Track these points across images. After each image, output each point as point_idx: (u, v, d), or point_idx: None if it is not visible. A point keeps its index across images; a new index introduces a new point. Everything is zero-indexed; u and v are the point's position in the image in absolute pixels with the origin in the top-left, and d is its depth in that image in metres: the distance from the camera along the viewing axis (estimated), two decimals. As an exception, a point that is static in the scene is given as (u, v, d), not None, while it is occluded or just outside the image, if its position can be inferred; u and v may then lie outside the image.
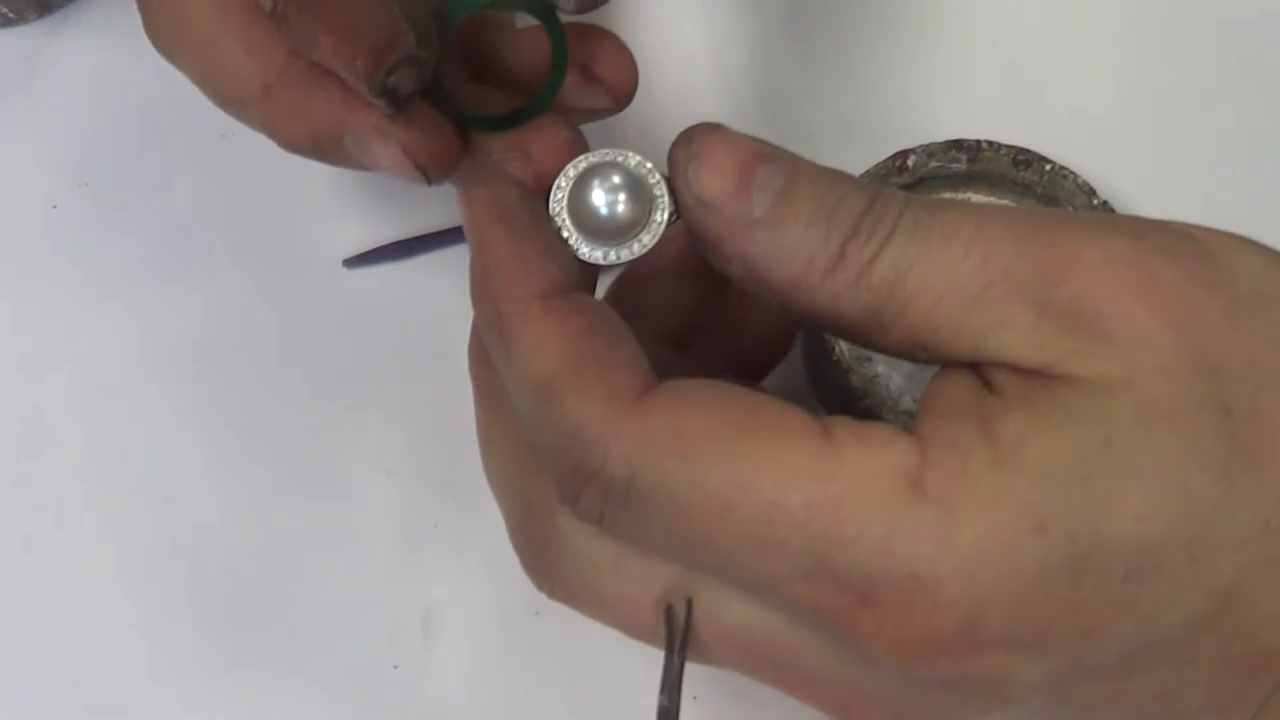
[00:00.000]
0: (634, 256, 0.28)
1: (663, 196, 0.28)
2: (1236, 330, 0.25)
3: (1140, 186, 0.41)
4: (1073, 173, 0.40)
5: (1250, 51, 0.44)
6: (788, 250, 0.26)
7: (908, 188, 0.40)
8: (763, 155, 0.27)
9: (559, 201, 0.29)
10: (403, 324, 0.42)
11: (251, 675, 0.40)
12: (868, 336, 0.27)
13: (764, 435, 0.25)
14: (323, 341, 0.42)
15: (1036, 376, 0.25)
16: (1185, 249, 0.25)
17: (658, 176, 0.28)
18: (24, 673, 0.40)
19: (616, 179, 0.28)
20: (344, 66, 0.29)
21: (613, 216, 0.28)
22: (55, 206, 0.43)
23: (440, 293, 0.42)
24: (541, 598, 0.40)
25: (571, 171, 0.29)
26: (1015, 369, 0.25)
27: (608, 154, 0.29)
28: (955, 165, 0.40)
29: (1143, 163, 0.42)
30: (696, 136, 0.27)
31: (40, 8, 0.44)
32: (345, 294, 0.42)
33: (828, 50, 0.44)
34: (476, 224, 0.28)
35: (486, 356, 0.28)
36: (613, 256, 0.28)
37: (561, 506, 0.27)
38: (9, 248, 0.43)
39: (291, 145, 0.33)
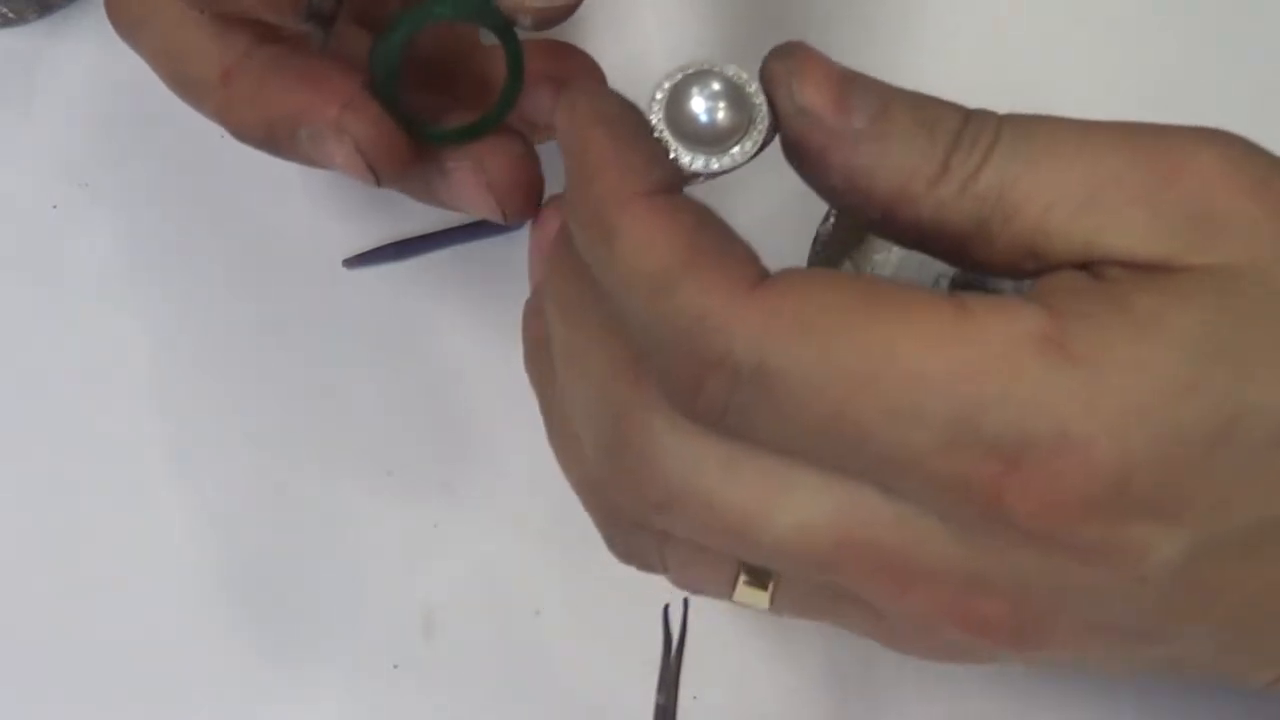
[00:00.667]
0: (735, 165, 0.28)
1: (762, 105, 0.28)
2: None
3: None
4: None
5: (1251, 47, 0.43)
6: (892, 161, 0.26)
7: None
8: (854, 76, 0.27)
9: (658, 110, 0.28)
10: (403, 324, 0.42)
11: (251, 675, 0.40)
12: (972, 249, 0.26)
13: (896, 307, 0.24)
14: (323, 341, 0.42)
15: (1155, 269, 0.25)
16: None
17: (755, 86, 0.28)
18: (15, 677, 0.40)
19: (716, 86, 0.27)
20: (266, 5, 0.29)
21: (712, 124, 0.27)
22: (55, 206, 0.43)
23: (440, 293, 0.42)
24: (541, 598, 0.40)
25: (670, 81, 0.28)
26: (1131, 265, 0.25)
27: (705, 63, 0.28)
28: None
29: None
30: (794, 52, 0.27)
31: (40, 8, 0.44)
32: (345, 294, 0.42)
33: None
34: (578, 128, 0.27)
35: (570, 269, 0.27)
36: (714, 165, 0.28)
37: (662, 411, 0.26)
38: (9, 248, 0.43)
39: (244, 134, 0.33)
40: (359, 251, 0.42)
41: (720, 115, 0.27)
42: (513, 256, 0.42)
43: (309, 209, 0.43)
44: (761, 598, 0.28)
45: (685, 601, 0.27)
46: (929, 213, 0.26)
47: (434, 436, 0.41)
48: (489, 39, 0.32)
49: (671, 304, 0.25)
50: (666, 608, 0.28)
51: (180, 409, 0.42)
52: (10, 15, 0.44)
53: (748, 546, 0.26)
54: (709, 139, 0.28)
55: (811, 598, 0.28)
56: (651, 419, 0.26)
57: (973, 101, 0.27)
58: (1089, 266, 0.26)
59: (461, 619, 0.40)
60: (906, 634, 0.28)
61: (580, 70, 0.34)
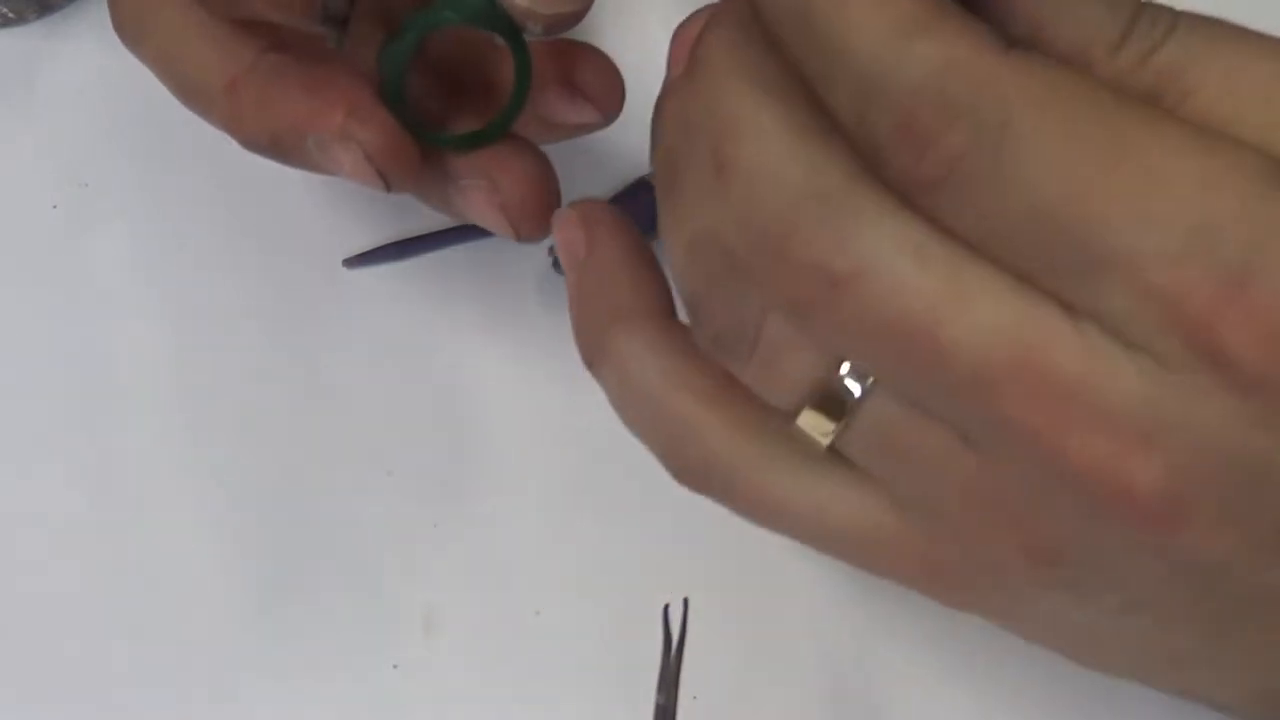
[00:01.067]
0: None
1: None
2: None
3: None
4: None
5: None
6: (1076, 19, 0.25)
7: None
8: None
9: None
10: (403, 324, 0.42)
11: (250, 675, 0.40)
12: None
13: (1144, 109, 0.23)
14: (322, 341, 0.42)
15: None
16: None
17: None
18: (15, 676, 0.40)
19: None
20: (279, 7, 0.29)
21: None
22: (55, 206, 0.43)
23: (440, 293, 0.42)
24: (541, 598, 0.40)
25: None
26: None
27: None
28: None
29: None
30: None
31: (40, 8, 0.44)
32: (345, 294, 0.42)
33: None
34: None
35: (746, 31, 0.25)
36: None
37: (863, 178, 0.24)
38: (9, 248, 0.43)
39: (251, 143, 0.33)
40: (359, 251, 0.42)
41: None
42: (513, 257, 0.42)
43: (309, 209, 0.43)
44: (828, 428, 0.26)
45: (685, 601, 0.27)
46: (1109, 77, 0.25)
47: (434, 436, 0.41)
48: (499, 41, 0.32)
49: (918, 49, 0.23)
50: (666, 608, 0.28)
51: (179, 409, 0.42)
52: (10, 15, 0.44)
53: (910, 345, 0.24)
54: None
55: (897, 438, 0.26)
56: (846, 183, 0.24)
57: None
58: None
59: (461, 619, 0.40)
60: (979, 511, 0.26)
61: (594, 69, 0.34)
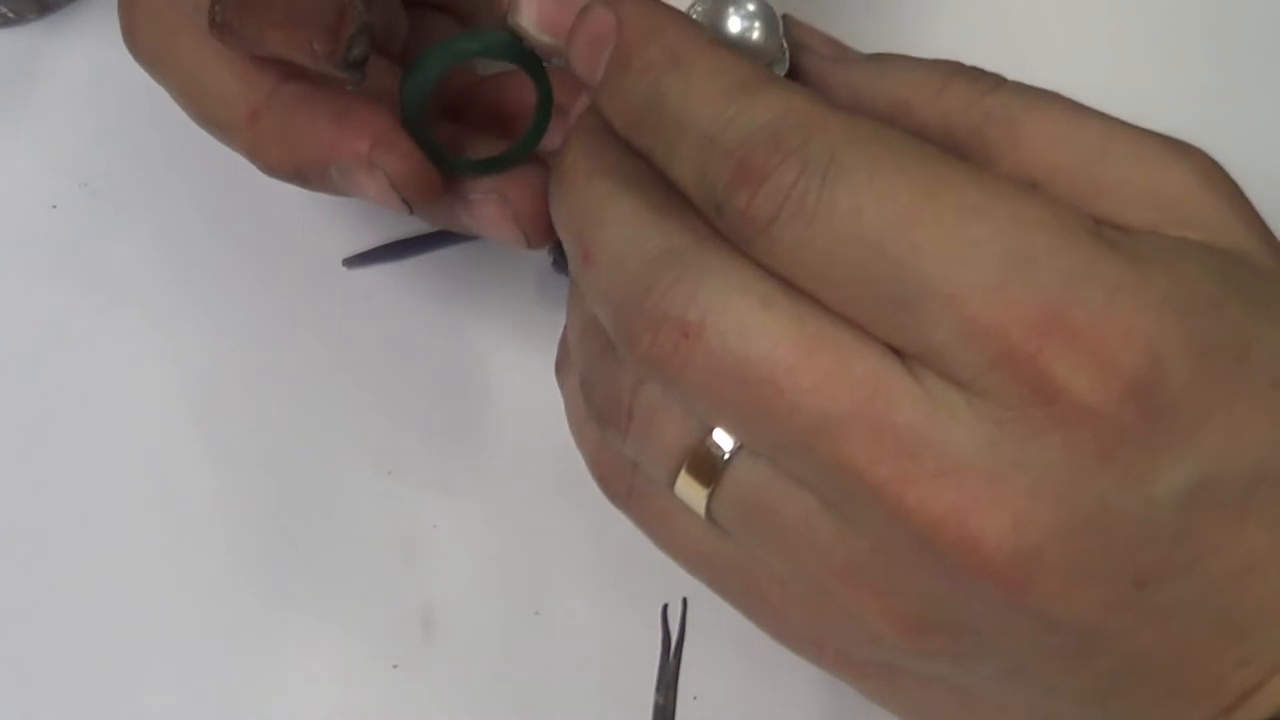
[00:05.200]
0: None
1: (783, 37, 0.29)
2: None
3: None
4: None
5: (1251, 44, 0.43)
6: (895, 75, 0.27)
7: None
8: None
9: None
10: (403, 324, 0.42)
11: (250, 674, 0.40)
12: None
13: (962, 160, 0.25)
14: (323, 341, 0.42)
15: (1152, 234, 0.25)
16: None
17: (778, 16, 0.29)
18: (14, 669, 0.40)
19: (752, 7, 0.28)
20: (300, 53, 0.29)
21: (746, 43, 0.28)
22: (55, 206, 0.43)
23: (440, 293, 0.42)
24: (541, 598, 0.40)
25: (700, 6, 0.29)
26: (1122, 227, 0.25)
27: None
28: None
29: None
30: (789, 15, 0.29)
31: (40, 8, 0.44)
32: (345, 294, 0.42)
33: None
34: (630, 8, 0.27)
35: (595, 141, 0.28)
36: None
37: (707, 236, 0.26)
38: (9, 248, 0.43)
39: (274, 172, 0.33)
40: (359, 251, 0.42)
41: (755, 35, 0.28)
42: (513, 257, 0.42)
43: (309, 209, 0.43)
44: (700, 494, 0.27)
45: (684, 601, 0.27)
46: (934, 120, 0.27)
47: (434, 436, 0.41)
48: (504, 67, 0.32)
49: (753, 102, 0.25)
50: (665, 608, 0.28)
51: (178, 409, 0.42)
52: (10, 15, 0.44)
53: (757, 393, 0.25)
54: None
55: (758, 500, 0.27)
56: (695, 244, 0.26)
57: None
58: None
59: (461, 619, 0.40)
60: (841, 577, 0.26)
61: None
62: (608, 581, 0.39)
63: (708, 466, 0.27)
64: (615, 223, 0.27)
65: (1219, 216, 0.26)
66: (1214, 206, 0.26)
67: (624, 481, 0.30)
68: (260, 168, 0.33)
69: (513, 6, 0.29)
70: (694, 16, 0.28)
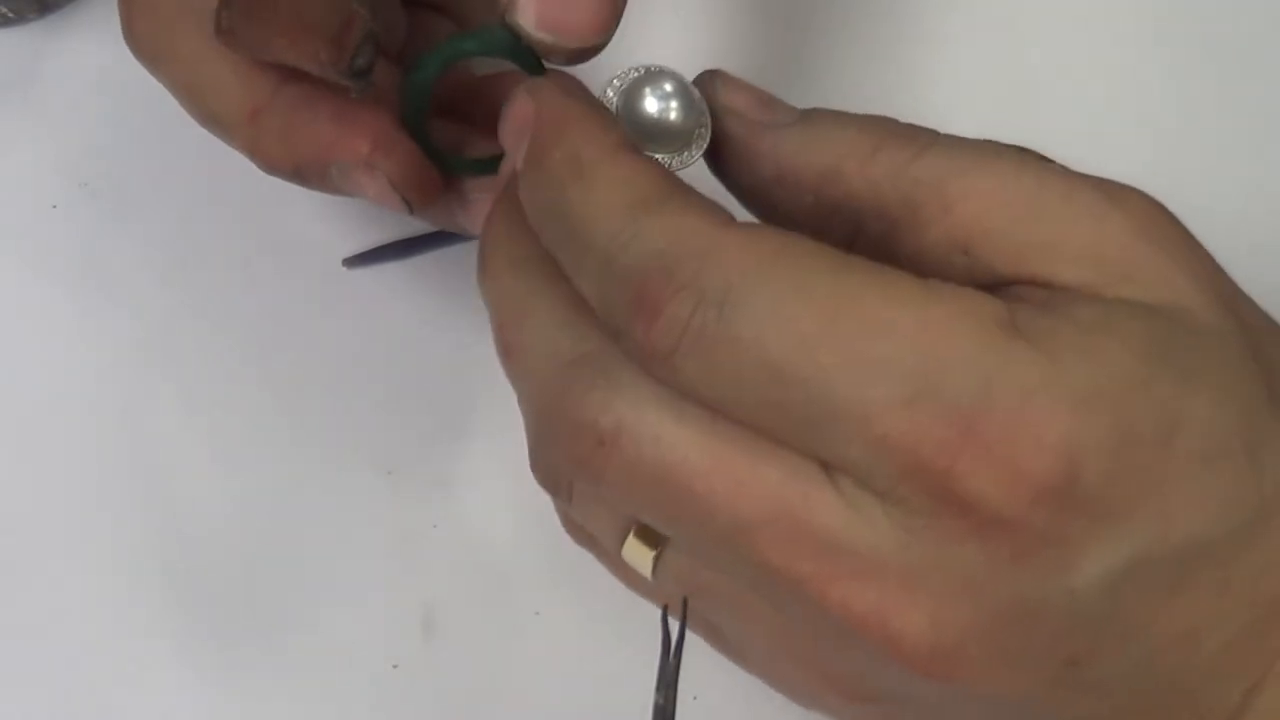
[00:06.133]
0: (686, 165, 0.28)
1: (705, 109, 0.28)
2: (1251, 310, 0.26)
3: (1139, 185, 0.41)
4: (1073, 172, 0.40)
5: (1250, 48, 0.43)
6: (822, 142, 0.26)
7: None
8: (776, 97, 0.28)
9: (610, 105, 0.28)
10: (403, 324, 0.42)
11: (250, 675, 0.40)
12: (902, 235, 0.26)
13: (866, 267, 0.24)
14: (323, 341, 0.42)
15: (1083, 294, 0.25)
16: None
17: (697, 91, 0.29)
18: (16, 670, 0.40)
19: (669, 87, 0.28)
20: (305, 60, 0.29)
21: (664, 122, 0.28)
22: (55, 206, 0.43)
23: (440, 293, 0.42)
24: (541, 598, 0.40)
25: (619, 81, 0.29)
26: (1057, 287, 0.25)
27: (654, 66, 0.29)
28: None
29: (1142, 162, 0.42)
30: (716, 71, 0.28)
31: (40, 8, 0.44)
32: (345, 294, 0.42)
33: (825, 49, 0.44)
34: (547, 99, 0.27)
35: (517, 226, 0.28)
36: (671, 164, 0.28)
37: (615, 352, 0.26)
38: (9, 248, 0.43)
39: (273, 170, 0.33)
40: (359, 251, 0.42)
41: (673, 115, 0.28)
42: (513, 256, 0.42)
43: (309, 209, 0.43)
44: (646, 558, 0.27)
45: (684, 601, 0.27)
46: (862, 190, 0.26)
47: (434, 436, 0.41)
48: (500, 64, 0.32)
49: (648, 226, 0.24)
50: (666, 608, 0.28)
51: (179, 409, 0.42)
52: (10, 15, 0.44)
53: (675, 499, 0.25)
54: (659, 137, 0.28)
55: (700, 575, 0.27)
56: (609, 351, 0.26)
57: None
58: (1012, 288, 0.26)
59: (461, 619, 0.40)
60: (784, 649, 0.27)
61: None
62: (608, 581, 0.39)
63: (652, 533, 0.27)
64: (532, 322, 0.27)
65: (1157, 269, 0.25)
66: (1151, 259, 0.25)
67: (583, 531, 0.30)
68: (259, 165, 0.33)
69: (511, 5, 0.29)
70: (611, 97, 0.28)
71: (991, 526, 0.23)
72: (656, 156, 0.28)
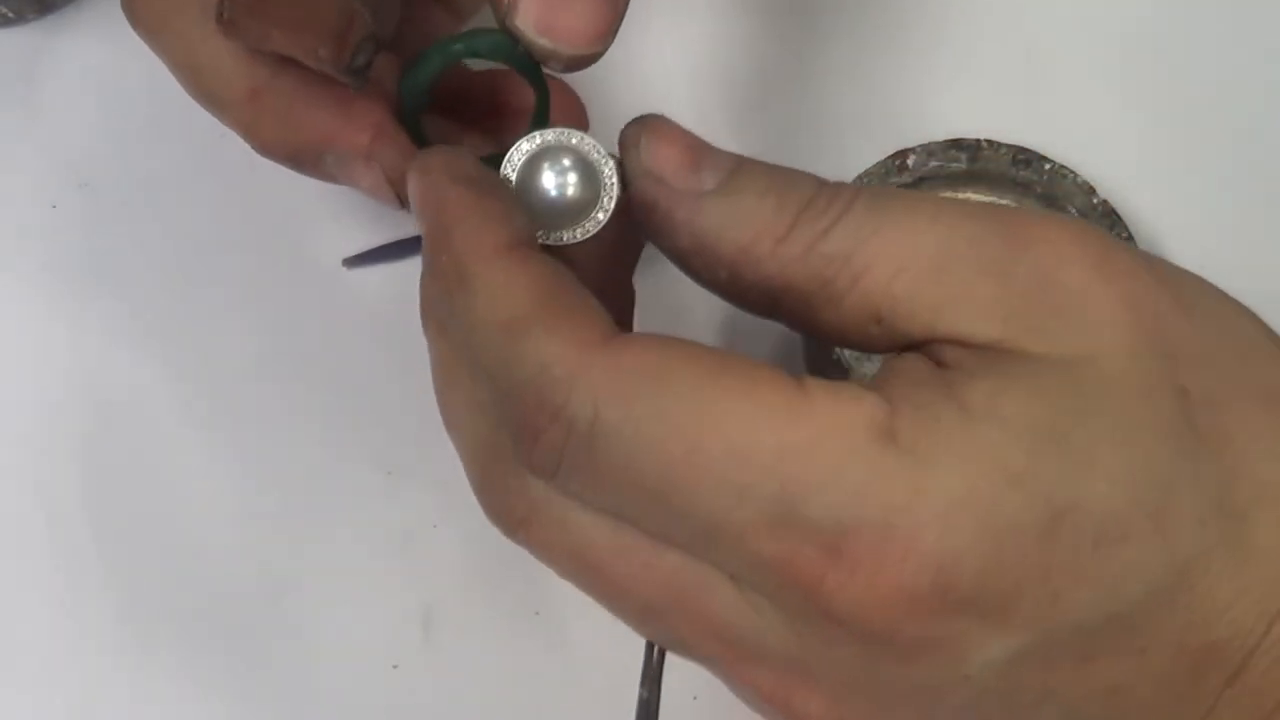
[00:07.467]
0: (586, 237, 0.28)
1: (611, 177, 0.28)
2: (1189, 320, 0.25)
3: (1140, 185, 0.41)
4: (1073, 172, 0.40)
5: (1251, 52, 0.43)
6: (738, 219, 0.26)
7: (907, 187, 0.40)
8: (707, 144, 0.27)
9: (508, 180, 0.29)
10: (403, 324, 0.42)
11: (251, 675, 0.40)
12: (819, 312, 0.26)
13: (735, 378, 0.24)
14: (323, 341, 0.42)
15: (995, 351, 0.25)
16: (1124, 244, 0.27)
17: (605, 156, 0.28)
18: (16, 670, 0.40)
19: (566, 161, 0.28)
20: (305, 56, 0.29)
21: (563, 198, 0.28)
22: (55, 206, 0.43)
23: (440, 292, 0.42)
24: (541, 598, 0.40)
25: (518, 155, 0.29)
26: (971, 345, 0.25)
27: (560, 133, 0.29)
28: (955, 164, 0.40)
29: (1143, 162, 0.42)
30: (649, 119, 0.28)
31: (40, 8, 0.44)
32: (345, 294, 0.42)
33: (828, 49, 0.44)
34: (435, 186, 0.27)
35: (441, 313, 0.28)
36: (565, 238, 0.28)
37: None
38: (9, 248, 0.43)
39: (268, 152, 0.33)
40: (359, 251, 0.42)
41: (570, 191, 0.28)
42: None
43: (309, 209, 0.43)
44: None
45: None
46: (775, 271, 0.26)
47: (434, 436, 0.41)
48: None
49: (519, 348, 0.25)
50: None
51: (178, 409, 0.42)
52: (10, 15, 0.44)
53: (589, 578, 0.27)
54: (558, 212, 0.28)
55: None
56: (508, 453, 0.26)
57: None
58: (930, 346, 0.25)
59: (461, 619, 0.40)
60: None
61: (559, 101, 0.34)
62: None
63: None
64: (456, 396, 0.28)
65: (1066, 316, 0.25)
66: (1062, 304, 0.25)
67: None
68: (254, 146, 0.33)
69: (511, 9, 0.29)
70: (511, 172, 0.28)
71: (870, 637, 0.24)
72: (551, 236, 0.28)
